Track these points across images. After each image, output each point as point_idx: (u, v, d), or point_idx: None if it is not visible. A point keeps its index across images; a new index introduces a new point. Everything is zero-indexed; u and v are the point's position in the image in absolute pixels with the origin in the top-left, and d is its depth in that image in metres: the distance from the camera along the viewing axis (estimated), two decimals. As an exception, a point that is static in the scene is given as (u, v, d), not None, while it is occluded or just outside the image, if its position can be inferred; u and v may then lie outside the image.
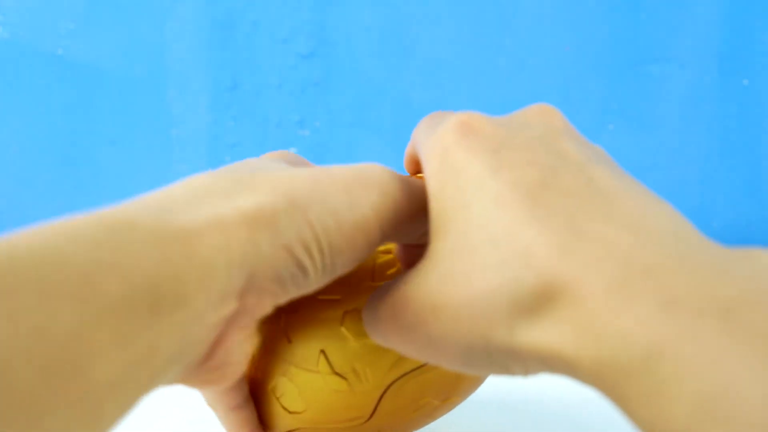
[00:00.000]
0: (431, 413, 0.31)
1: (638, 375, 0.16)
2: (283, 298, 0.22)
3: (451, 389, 0.30)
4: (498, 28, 0.74)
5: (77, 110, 0.74)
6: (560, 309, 0.17)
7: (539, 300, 0.18)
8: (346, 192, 0.23)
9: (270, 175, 0.22)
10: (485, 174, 0.20)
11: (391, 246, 0.31)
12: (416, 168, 0.30)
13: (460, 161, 0.21)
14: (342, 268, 0.23)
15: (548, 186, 0.19)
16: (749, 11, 0.73)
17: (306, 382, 0.28)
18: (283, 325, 0.29)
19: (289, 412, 0.29)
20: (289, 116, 0.75)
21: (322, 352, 0.28)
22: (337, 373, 0.28)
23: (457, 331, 0.19)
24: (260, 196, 0.21)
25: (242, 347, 0.22)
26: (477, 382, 0.32)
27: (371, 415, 0.30)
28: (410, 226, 0.25)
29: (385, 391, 0.29)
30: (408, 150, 0.29)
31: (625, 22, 0.73)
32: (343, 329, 0.28)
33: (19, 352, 0.14)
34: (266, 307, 0.22)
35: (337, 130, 0.75)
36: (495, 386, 0.43)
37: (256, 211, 0.20)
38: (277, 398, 0.29)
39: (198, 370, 0.22)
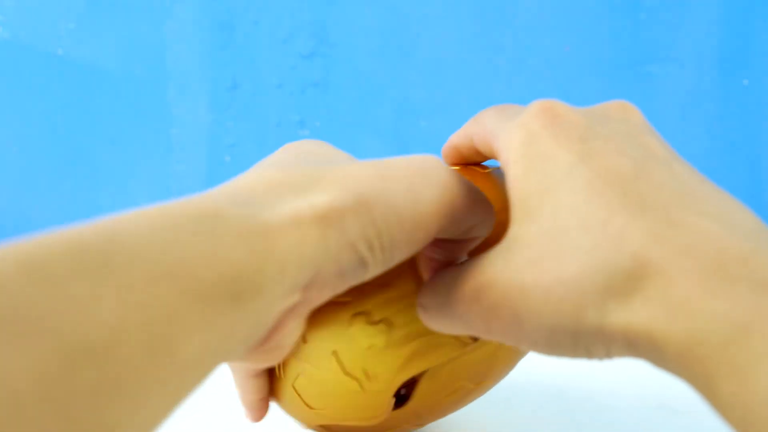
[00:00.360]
0: (465, 397, 0.31)
1: (729, 350, 0.17)
2: (342, 289, 0.23)
3: (486, 373, 0.31)
4: (498, 28, 0.74)
5: (77, 110, 0.74)
6: (652, 290, 0.18)
7: (631, 282, 0.18)
8: (409, 188, 0.23)
9: (339, 171, 0.23)
10: (575, 161, 0.21)
11: None
12: (460, 159, 0.30)
13: (548, 147, 0.22)
14: (399, 260, 0.24)
15: (639, 177, 0.20)
16: (749, 11, 0.73)
17: (321, 381, 0.29)
18: None
19: (312, 408, 0.30)
20: (289, 116, 0.75)
21: (334, 353, 0.29)
22: (348, 374, 0.29)
23: (546, 311, 0.20)
24: (332, 194, 0.21)
25: (294, 333, 0.24)
26: (510, 365, 0.32)
27: (405, 403, 0.30)
28: (463, 221, 0.25)
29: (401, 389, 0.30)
30: (458, 141, 0.30)
31: (625, 22, 0.73)
32: (352, 330, 0.29)
33: (125, 325, 0.15)
34: (325, 297, 0.22)
35: (337, 130, 0.75)
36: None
37: (328, 210, 0.21)
38: (299, 394, 0.30)
39: (254, 351, 0.23)
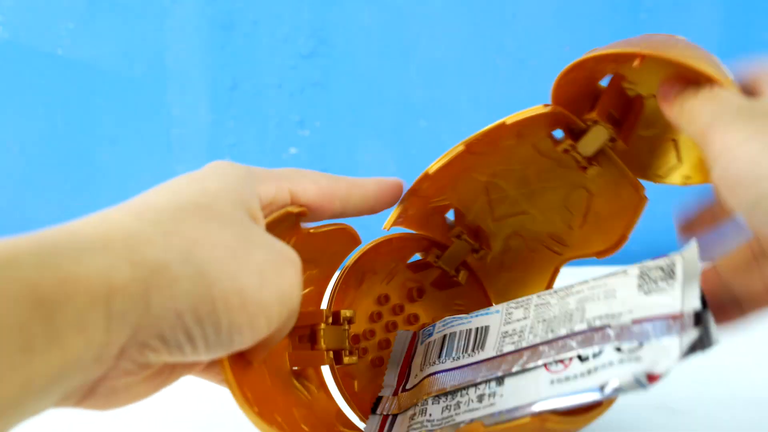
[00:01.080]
0: None
1: None
2: (170, 358, 0.22)
3: None
4: (498, 28, 0.74)
5: (77, 110, 0.74)
6: None
7: None
8: (259, 273, 0.23)
9: (195, 231, 0.23)
10: None
11: None
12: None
13: None
14: (239, 345, 0.23)
15: None
16: (749, 11, 0.73)
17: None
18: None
19: None
20: (289, 116, 0.75)
21: None
22: None
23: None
24: (170, 254, 0.21)
25: (130, 387, 0.23)
26: None
27: None
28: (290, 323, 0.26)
29: None
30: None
31: (625, 22, 0.73)
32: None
33: None
34: (152, 361, 0.22)
35: (337, 130, 0.75)
36: None
37: (157, 269, 0.21)
38: None
39: (81, 399, 0.22)
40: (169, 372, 0.25)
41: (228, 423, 0.41)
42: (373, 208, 0.32)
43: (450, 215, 0.38)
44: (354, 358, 0.33)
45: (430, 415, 0.30)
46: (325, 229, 0.32)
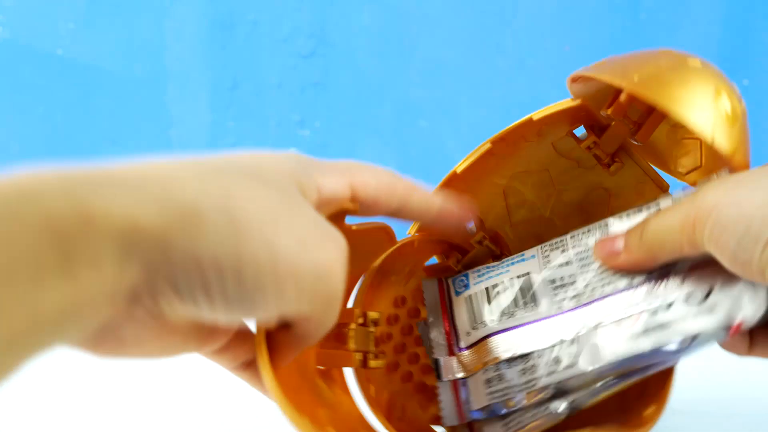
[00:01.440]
0: None
1: None
2: (183, 310, 0.21)
3: None
4: (498, 29, 0.74)
5: (77, 110, 0.74)
6: None
7: None
8: (298, 239, 0.22)
9: (237, 186, 0.21)
10: None
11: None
12: None
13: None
14: (262, 310, 0.22)
15: None
16: (749, 11, 0.73)
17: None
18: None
19: None
20: (289, 116, 0.75)
21: None
22: None
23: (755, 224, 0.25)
24: (203, 199, 0.20)
25: (141, 339, 0.22)
26: None
27: None
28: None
29: None
30: None
31: (624, 22, 0.73)
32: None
33: None
34: (165, 311, 0.21)
35: (337, 130, 0.75)
36: None
37: (187, 213, 0.20)
38: None
39: (91, 342, 0.22)
40: (184, 336, 0.24)
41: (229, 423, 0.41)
42: (432, 219, 0.31)
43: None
44: (381, 362, 0.32)
45: (510, 380, 0.30)
46: (368, 227, 0.31)
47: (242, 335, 0.28)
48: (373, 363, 0.32)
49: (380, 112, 0.75)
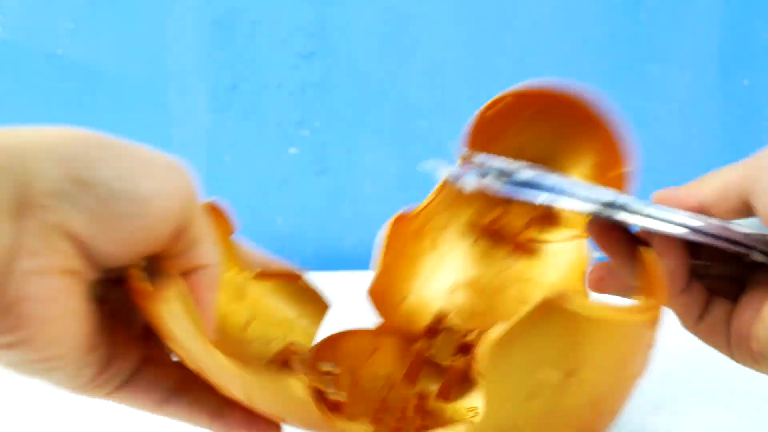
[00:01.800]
0: None
1: None
2: (79, 228, 0.22)
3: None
4: (498, 28, 0.74)
5: (77, 110, 0.74)
6: None
7: None
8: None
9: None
10: None
11: None
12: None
13: None
14: (142, 205, 0.23)
15: None
16: (749, 11, 0.73)
17: None
18: None
19: None
20: (288, 116, 0.75)
21: None
22: None
23: None
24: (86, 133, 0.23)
25: (44, 299, 0.21)
26: None
27: None
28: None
29: None
30: (712, 198, 0.29)
31: (624, 22, 0.73)
32: None
33: None
34: (60, 248, 0.21)
35: (337, 130, 0.75)
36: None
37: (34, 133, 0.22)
38: None
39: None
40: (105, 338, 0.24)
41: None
42: None
43: None
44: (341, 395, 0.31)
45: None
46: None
47: (153, 360, 0.26)
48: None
49: (380, 112, 0.75)
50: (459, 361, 0.35)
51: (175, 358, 0.26)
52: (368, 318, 0.38)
